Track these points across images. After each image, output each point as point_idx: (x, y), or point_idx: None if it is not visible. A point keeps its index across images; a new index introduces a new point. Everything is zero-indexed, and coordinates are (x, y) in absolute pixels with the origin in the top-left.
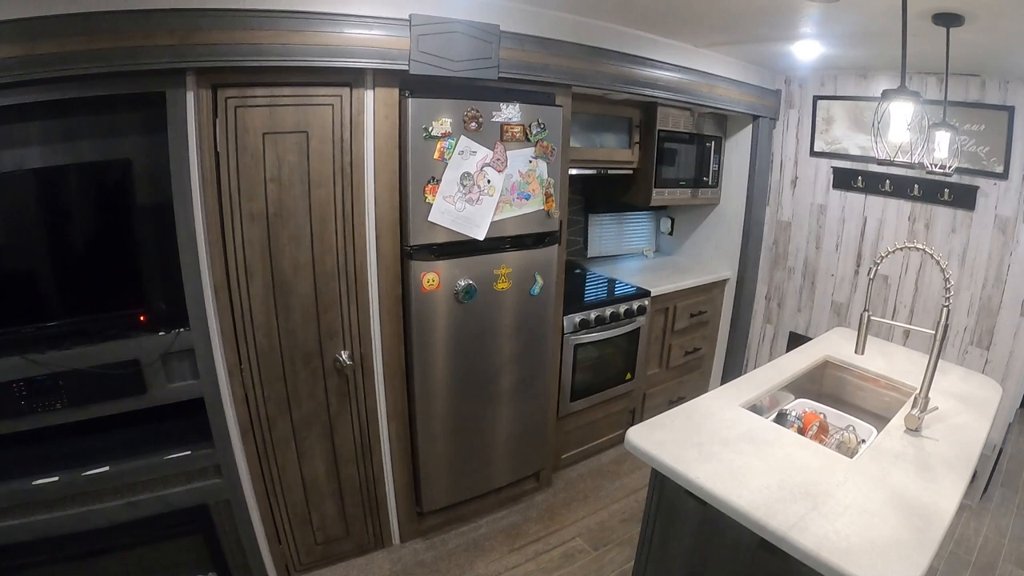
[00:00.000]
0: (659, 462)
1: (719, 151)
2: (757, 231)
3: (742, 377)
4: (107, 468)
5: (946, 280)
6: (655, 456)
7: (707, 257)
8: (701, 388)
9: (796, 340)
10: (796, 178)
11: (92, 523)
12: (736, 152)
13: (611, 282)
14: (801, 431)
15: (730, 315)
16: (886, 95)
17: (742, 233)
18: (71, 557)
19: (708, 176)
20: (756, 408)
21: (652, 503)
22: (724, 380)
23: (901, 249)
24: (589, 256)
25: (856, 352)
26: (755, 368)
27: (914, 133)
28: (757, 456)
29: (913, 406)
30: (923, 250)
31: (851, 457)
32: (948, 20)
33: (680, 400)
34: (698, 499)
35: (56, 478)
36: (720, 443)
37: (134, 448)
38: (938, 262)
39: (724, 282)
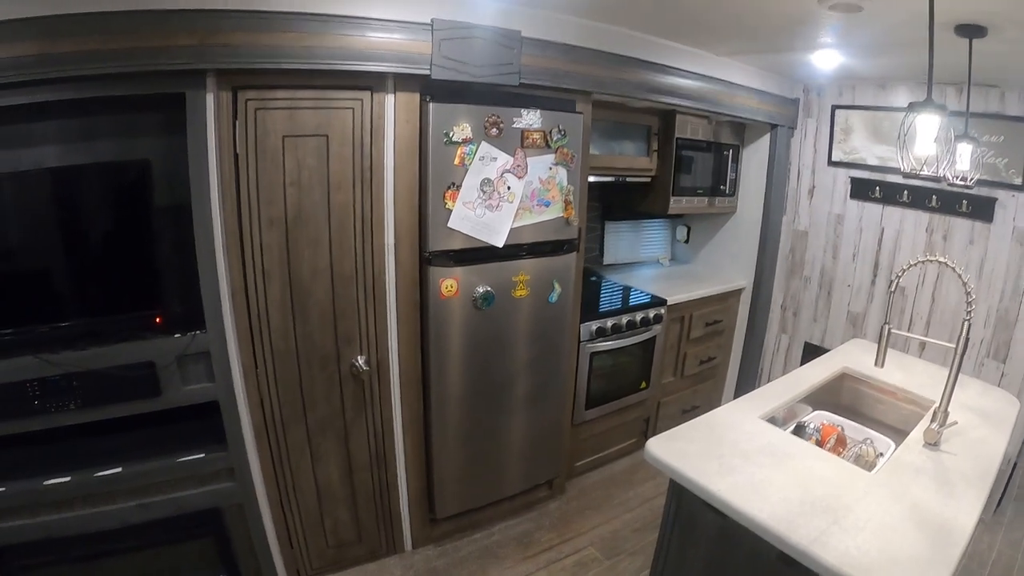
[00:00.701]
0: (679, 474)
1: (737, 160)
2: (774, 240)
3: (760, 388)
4: (120, 469)
5: (968, 294)
6: (675, 468)
7: (723, 266)
8: (716, 397)
9: (811, 350)
10: (813, 187)
11: (103, 524)
12: (754, 161)
13: (627, 290)
14: (819, 444)
15: (745, 324)
16: (913, 107)
17: (758, 242)
18: (81, 558)
19: (725, 184)
20: (774, 420)
21: (670, 514)
22: (739, 389)
23: (923, 262)
24: (605, 263)
25: (876, 365)
26: (770, 378)
27: (940, 146)
28: (777, 469)
29: (932, 420)
30: (944, 263)
31: (869, 470)
32: (971, 31)
33: (694, 409)
34: (717, 511)
35: (68, 478)
36: (740, 456)
37: (147, 450)
38: (960, 276)
39: (740, 291)
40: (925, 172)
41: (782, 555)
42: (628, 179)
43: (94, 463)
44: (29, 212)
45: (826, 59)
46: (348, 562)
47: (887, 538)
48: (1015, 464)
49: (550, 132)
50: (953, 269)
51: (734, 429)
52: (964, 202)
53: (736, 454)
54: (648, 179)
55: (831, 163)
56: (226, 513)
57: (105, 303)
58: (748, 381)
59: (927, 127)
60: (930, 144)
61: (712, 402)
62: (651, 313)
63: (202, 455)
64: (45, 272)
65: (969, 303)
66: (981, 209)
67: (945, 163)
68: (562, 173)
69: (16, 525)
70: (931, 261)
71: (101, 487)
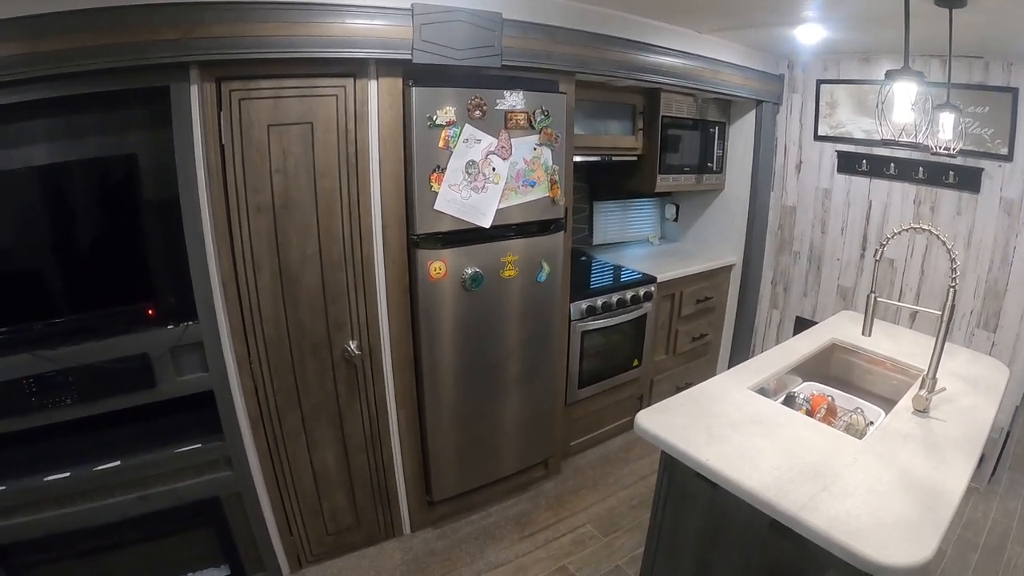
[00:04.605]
0: (669, 445)
1: (723, 136)
2: (762, 216)
3: (750, 360)
4: (118, 463)
5: (952, 260)
6: (665, 439)
7: (712, 243)
8: (708, 374)
9: (802, 325)
10: (800, 162)
11: (104, 518)
12: (740, 137)
13: (617, 269)
14: (809, 413)
15: (736, 300)
16: (890, 75)
17: (747, 218)
18: (83, 553)
19: (712, 162)
20: (764, 391)
21: (662, 486)
22: (731, 365)
23: (907, 230)
24: (595, 243)
25: (863, 334)
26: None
27: (918, 113)
28: (766, 438)
29: (921, 387)
30: (928, 231)
31: (860, 439)
32: (951, 1)
33: (688, 386)
34: (708, 481)
35: (67, 474)
36: (729, 425)
37: (145, 442)
38: (944, 242)
39: (730, 268)
40: (904, 139)
41: (774, 523)
42: (614, 158)
43: (93, 457)
44: (19, 210)
45: (809, 33)
46: (348, 547)
47: (877, 503)
48: (1008, 433)
49: (534, 113)
50: (937, 236)
51: (723, 400)
52: (951, 173)
53: (725, 424)
54: (635, 158)
55: (817, 138)
56: (225, 502)
57: (98, 297)
58: (740, 357)
59: (904, 94)
60: (907, 111)
61: (705, 378)
62: (641, 291)
63: (199, 445)
64: (38, 269)
65: (954, 269)
66: (968, 180)
67: (924, 131)
68: (547, 153)
69: (20, 522)
70: (915, 229)
71: (100, 481)
